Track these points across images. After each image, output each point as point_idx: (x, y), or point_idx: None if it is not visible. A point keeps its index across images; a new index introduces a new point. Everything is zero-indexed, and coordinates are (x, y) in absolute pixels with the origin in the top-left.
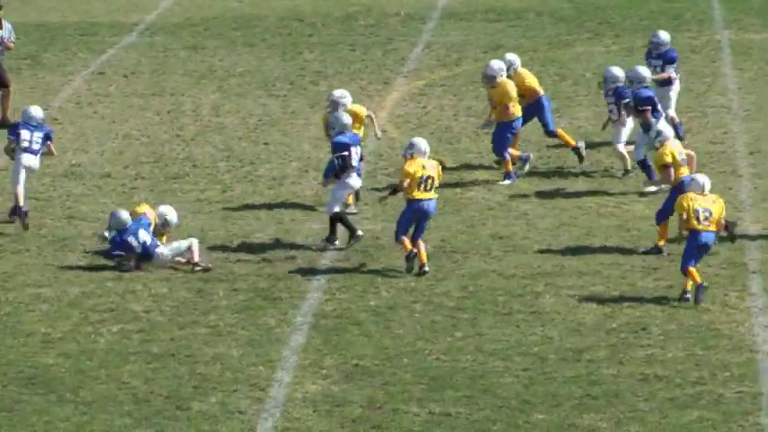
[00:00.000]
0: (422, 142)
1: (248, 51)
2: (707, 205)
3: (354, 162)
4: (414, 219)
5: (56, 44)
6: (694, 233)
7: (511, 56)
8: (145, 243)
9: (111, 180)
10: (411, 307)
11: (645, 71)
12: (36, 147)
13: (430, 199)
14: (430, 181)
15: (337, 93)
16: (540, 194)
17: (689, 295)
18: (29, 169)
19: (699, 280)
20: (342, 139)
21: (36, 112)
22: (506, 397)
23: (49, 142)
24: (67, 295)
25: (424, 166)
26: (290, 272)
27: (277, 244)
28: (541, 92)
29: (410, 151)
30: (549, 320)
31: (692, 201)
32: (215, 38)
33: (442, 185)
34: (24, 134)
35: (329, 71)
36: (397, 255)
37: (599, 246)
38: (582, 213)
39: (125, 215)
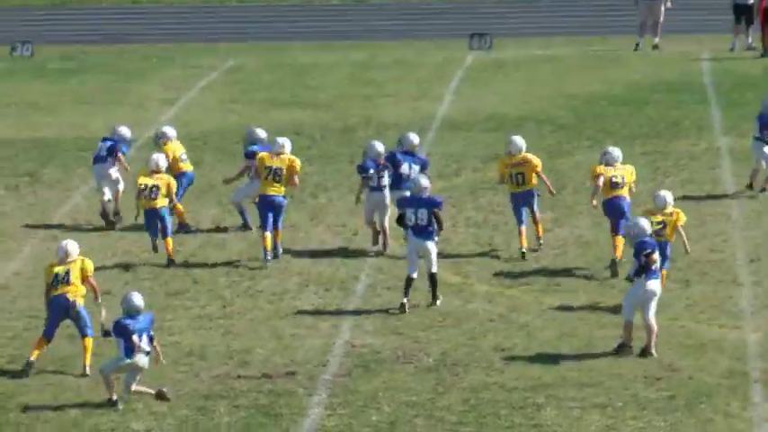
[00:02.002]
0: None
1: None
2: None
3: None
4: None
5: (54, 161)
6: None
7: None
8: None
9: (110, 297)
10: (413, 422)
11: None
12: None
13: None
14: None
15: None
16: (540, 306)
17: None
18: None
19: None
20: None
21: None
22: None
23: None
24: (68, 414)
25: None
26: (290, 387)
27: (277, 359)
28: None
29: None
30: None
31: None
32: (214, 152)
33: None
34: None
35: (329, 183)
36: (398, 368)
37: (600, 356)
38: (582, 324)
39: (137, 300)
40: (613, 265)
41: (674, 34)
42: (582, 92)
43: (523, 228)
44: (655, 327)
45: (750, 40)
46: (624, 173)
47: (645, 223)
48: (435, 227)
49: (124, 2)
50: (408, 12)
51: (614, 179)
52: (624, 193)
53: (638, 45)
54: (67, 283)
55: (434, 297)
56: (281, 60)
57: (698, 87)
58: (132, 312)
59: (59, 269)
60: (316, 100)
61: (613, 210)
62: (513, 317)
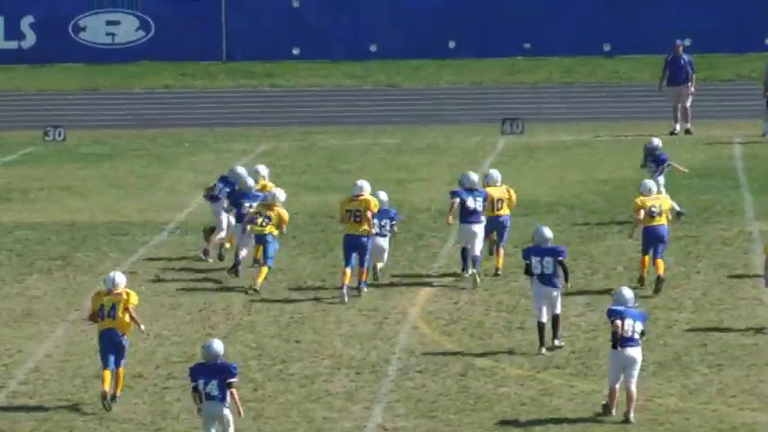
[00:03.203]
0: None
1: (279, 249)
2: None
3: None
4: None
5: (87, 244)
6: None
7: None
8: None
9: (142, 380)
10: None
11: None
12: None
13: None
14: None
15: None
16: (572, 390)
17: None
18: None
19: None
20: None
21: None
22: None
23: None
24: None
25: None
26: None
27: None
28: None
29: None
30: None
31: None
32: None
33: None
34: None
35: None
36: None
37: None
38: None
39: (218, 347)
40: (658, 282)
41: (707, 119)
42: (613, 177)
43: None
44: (635, 394)
45: None
46: (661, 202)
47: (628, 292)
48: (561, 275)
49: (156, 87)
50: (440, 96)
51: (653, 209)
52: (663, 221)
53: (673, 131)
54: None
55: (555, 336)
56: (313, 144)
57: (730, 172)
58: (209, 359)
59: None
60: (348, 184)
61: (654, 236)
62: (544, 400)
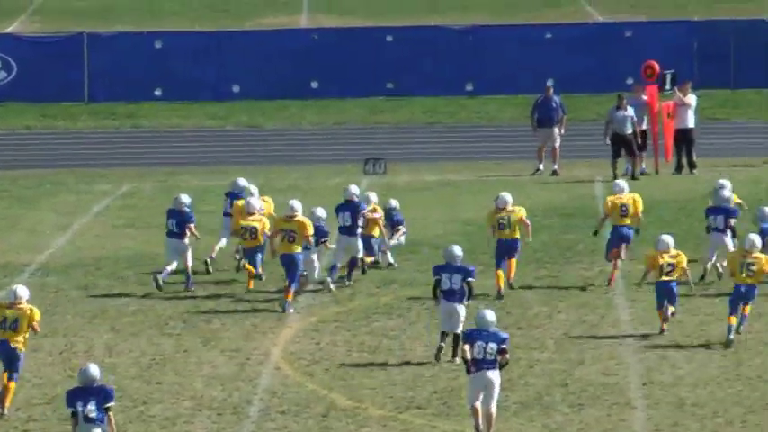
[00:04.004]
0: None
1: (141, 290)
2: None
3: None
4: None
5: None
6: None
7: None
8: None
9: (2, 423)
10: None
11: None
12: None
13: None
14: None
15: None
16: (434, 429)
17: None
18: None
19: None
20: None
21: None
22: None
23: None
24: None
25: None
26: None
27: None
28: None
29: None
30: None
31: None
32: (107, 277)
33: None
34: None
35: (222, 308)
36: None
37: None
38: None
39: (95, 371)
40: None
41: (570, 159)
42: (476, 217)
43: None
44: (494, 415)
45: (643, 165)
46: (629, 200)
47: (489, 314)
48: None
49: (17, 128)
50: (303, 136)
51: (623, 208)
52: (629, 222)
53: (537, 170)
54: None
55: (454, 354)
56: (175, 185)
57: (591, 212)
58: (86, 383)
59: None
60: (210, 225)
61: (620, 237)
62: None
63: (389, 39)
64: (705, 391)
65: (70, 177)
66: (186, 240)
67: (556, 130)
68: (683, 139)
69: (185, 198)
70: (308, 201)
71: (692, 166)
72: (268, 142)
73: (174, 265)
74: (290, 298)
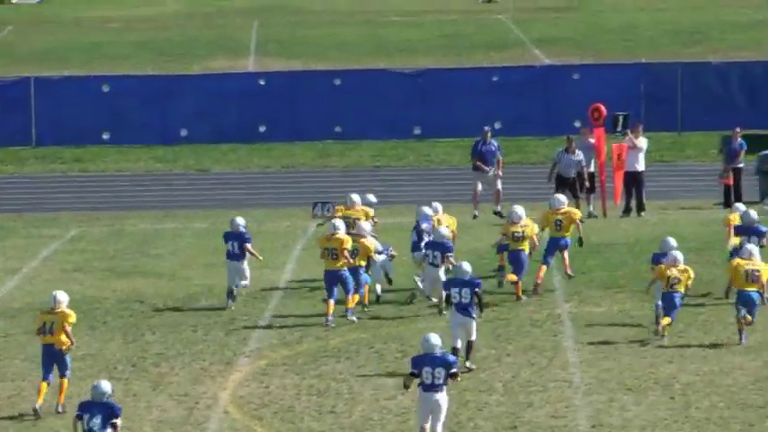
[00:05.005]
0: None
1: (90, 334)
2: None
3: None
4: None
5: None
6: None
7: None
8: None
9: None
10: None
11: None
12: None
13: None
14: None
15: None
16: None
17: None
18: None
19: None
20: None
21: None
22: None
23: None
24: None
25: None
26: None
27: None
28: None
29: None
30: None
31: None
32: None
33: None
34: None
35: (171, 352)
36: None
37: None
38: None
39: (106, 386)
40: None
41: (516, 202)
42: None
43: None
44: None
45: (591, 207)
46: (526, 228)
47: (434, 338)
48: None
49: None
50: (251, 180)
51: (516, 234)
52: (525, 246)
53: (474, 216)
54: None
55: (467, 359)
56: (122, 229)
57: (538, 255)
58: (96, 397)
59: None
60: (158, 269)
61: (557, 247)
62: None
63: (337, 82)
64: None
65: (18, 222)
66: (245, 262)
67: (495, 172)
68: (633, 181)
69: (241, 220)
70: (258, 243)
71: (640, 208)
72: (216, 186)
73: (239, 284)
74: (350, 306)
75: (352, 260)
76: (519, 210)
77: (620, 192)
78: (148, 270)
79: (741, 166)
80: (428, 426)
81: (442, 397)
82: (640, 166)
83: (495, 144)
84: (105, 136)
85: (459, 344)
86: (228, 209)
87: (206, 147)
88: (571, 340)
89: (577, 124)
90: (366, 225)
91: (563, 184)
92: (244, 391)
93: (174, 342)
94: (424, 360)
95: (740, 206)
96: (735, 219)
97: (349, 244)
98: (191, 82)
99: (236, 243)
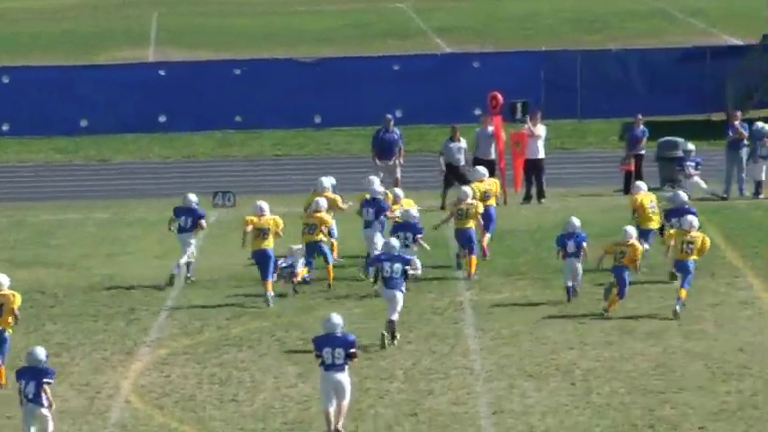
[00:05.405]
0: None
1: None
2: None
3: None
4: None
5: None
6: None
7: None
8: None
9: None
10: None
11: None
12: None
13: None
14: None
15: None
16: None
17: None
18: None
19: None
20: None
21: None
22: None
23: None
24: None
25: None
26: None
27: None
28: None
29: None
30: None
31: None
32: None
33: None
34: None
35: (72, 342)
36: None
37: None
38: None
39: (41, 353)
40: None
41: (417, 190)
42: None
43: None
44: (345, 409)
45: None
46: (470, 207)
47: (336, 318)
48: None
49: None
50: (152, 170)
51: (460, 212)
52: (470, 224)
53: None
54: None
55: (393, 337)
56: (24, 220)
57: (441, 242)
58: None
59: None
60: (59, 259)
61: (462, 237)
62: None
63: (237, 72)
64: (555, 419)
65: None
66: (194, 236)
67: (395, 161)
68: (534, 168)
69: (193, 197)
70: (158, 233)
71: (540, 195)
72: (116, 176)
73: (184, 258)
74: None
75: (330, 237)
76: (467, 190)
77: (521, 179)
78: (50, 260)
79: (643, 152)
80: (332, 409)
81: (344, 377)
82: (540, 153)
83: (398, 132)
84: (5, 127)
85: (396, 316)
86: (129, 199)
87: (107, 137)
88: (472, 327)
89: (478, 112)
90: (323, 201)
91: (451, 172)
92: (145, 381)
93: (75, 332)
94: (325, 341)
95: (641, 184)
96: (642, 198)
97: (329, 222)
98: (91, 72)
99: (189, 218)
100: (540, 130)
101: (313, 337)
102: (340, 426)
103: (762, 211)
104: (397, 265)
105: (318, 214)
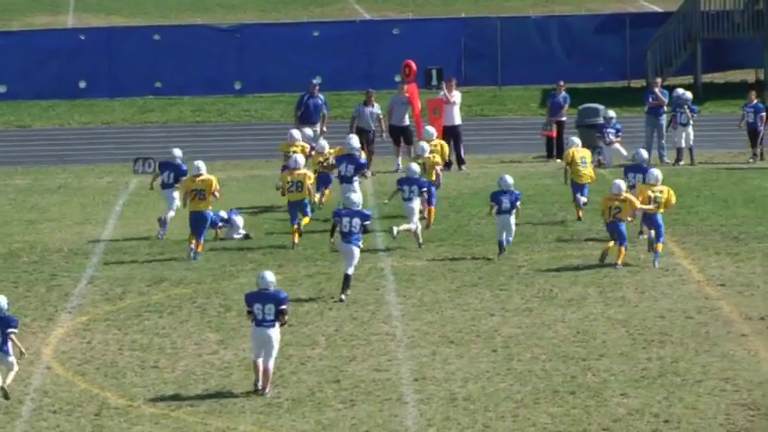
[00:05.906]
0: None
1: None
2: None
3: None
4: None
5: None
6: None
7: None
8: None
9: None
10: None
11: None
12: None
13: None
14: None
15: None
16: (206, 426)
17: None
18: None
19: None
20: None
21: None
22: None
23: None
24: None
25: None
26: None
27: None
28: None
29: None
30: None
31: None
32: None
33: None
34: None
35: None
36: None
37: None
38: None
39: (2, 301)
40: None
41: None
42: (247, 215)
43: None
44: (270, 371)
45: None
46: (427, 160)
47: (269, 275)
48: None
49: None
50: (72, 137)
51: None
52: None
53: None
54: None
55: (343, 291)
56: None
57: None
58: None
59: None
60: None
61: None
62: None
63: (157, 38)
64: (476, 386)
65: None
66: (176, 192)
67: (320, 127)
68: (451, 135)
69: (178, 152)
70: (79, 200)
71: (460, 162)
72: (36, 143)
73: (171, 213)
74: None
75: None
76: (424, 145)
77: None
78: None
79: (564, 119)
80: (260, 360)
81: (274, 332)
82: (456, 120)
83: (322, 98)
84: None
85: (351, 270)
86: (49, 165)
87: (26, 103)
88: (393, 294)
89: (398, 79)
90: (301, 158)
91: (362, 136)
92: (66, 347)
93: None
94: (257, 296)
95: (576, 139)
96: (574, 152)
97: (311, 178)
98: (9, 38)
99: (172, 173)
100: (456, 96)
101: (246, 292)
102: (267, 391)
103: (683, 179)
104: (356, 220)
105: (299, 171)
